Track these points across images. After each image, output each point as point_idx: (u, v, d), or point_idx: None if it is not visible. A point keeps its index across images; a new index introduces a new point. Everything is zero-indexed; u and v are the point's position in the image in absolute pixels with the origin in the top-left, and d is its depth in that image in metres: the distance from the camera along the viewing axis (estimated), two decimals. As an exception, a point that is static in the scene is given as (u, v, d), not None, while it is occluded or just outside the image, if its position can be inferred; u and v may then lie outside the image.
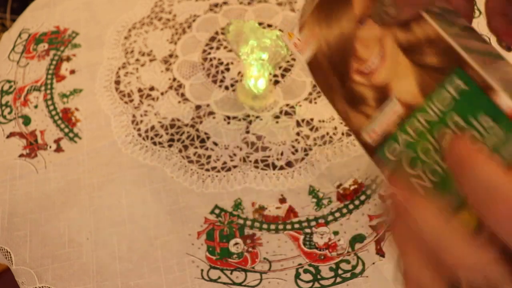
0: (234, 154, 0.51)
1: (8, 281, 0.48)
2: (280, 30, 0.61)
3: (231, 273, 0.45)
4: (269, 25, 0.62)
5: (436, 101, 0.24)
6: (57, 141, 0.55)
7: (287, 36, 0.33)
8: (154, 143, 0.53)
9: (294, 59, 0.58)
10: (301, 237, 0.46)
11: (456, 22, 0.25)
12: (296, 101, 0.55)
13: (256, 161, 0.51)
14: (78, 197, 0.50)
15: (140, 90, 0.58)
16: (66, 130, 0.55)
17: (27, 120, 0.57)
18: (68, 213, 0.49)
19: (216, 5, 0.65)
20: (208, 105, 0.55)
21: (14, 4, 1.18)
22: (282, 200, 0.48)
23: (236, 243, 0.46)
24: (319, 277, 0.44)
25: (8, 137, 0.56)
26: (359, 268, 0.44)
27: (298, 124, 0.53)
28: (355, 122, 0.28)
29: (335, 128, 0.52)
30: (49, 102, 0.58)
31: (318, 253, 0.45)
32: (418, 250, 0.21)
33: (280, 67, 0.57)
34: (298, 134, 0.52)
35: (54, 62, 0.62)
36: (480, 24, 0.52)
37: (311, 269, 0.44)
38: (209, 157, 0.51)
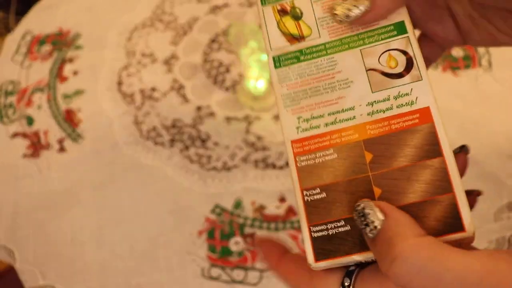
0: (235, 154, 0.52)
1: (12, 279, 0.49)
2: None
3: (231, 271, 0.45)
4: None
5: None
6: (60, 142, 0.55)
7: None
8: (156, 143, 0.54)
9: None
10: (301, 236, 0.46)
11: None
12: (296, 102, 0.55)
13: (256, 161, 0.51)
14: (80, 196, 0.51)
15: (142, 91, 0.58)
16: (69, 130, 0.56)
17: (30, 121, 0.57)
18: (71, 212, 0.50)
19: (217, 7, 0.65)
20: (209, 106, 0.56)
21: (18, 6, 1.19)
22: (282, 200, 0.48)
23: (237, 242, 0.47)
24: (318, 275, 0.44)
25: (11, 137, 0.56)
26: (358, 266, 0.44)
27: (298, 124, 0.53)
28: None
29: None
30: (52, 103, 0.58)
31: (318, 252, 0.45)
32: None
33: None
34: (298, 134, 0.52)
35: (57, 64, 0.62)
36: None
37: (311, 267, 0.45)
38: (209, 157, 0.52)
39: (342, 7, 0.25)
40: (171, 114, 0.56)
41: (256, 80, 0.53)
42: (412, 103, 0.25)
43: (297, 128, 0.26)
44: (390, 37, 0.26)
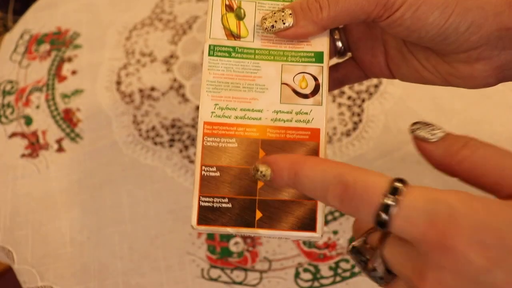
0: (234, 154, 0.52)
1: (10, 280, 0.49)
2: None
3: (231, 272, 0.45)
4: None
5: None
6: (58, 141, 0.55)
7: None
8: (155, 143, 0.53)
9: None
10: (301, 237, 0.46)
11: None
12: (296, 102, 0.55)
13: (256, 161, 0.51)
14: (79, 197, 0.51)
15: (141, 90, 0.58)
16: (68, 130, 0.56)
17: (28, 121, 0.57)
18: (69, 212, 0.50)
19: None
20: (208, 106, 0.56)
21: (16, 5, 1.19)
22: (282, 200, 0.48)
23: (236, 243, 0.46)
24: (318, 276, 0.44)
25: (10, 137, 0.56)
26: (358, 267, 0.44)
27: (298, 124, 0.53)
28: None
29: (335, 128, 0.52)
30: (51, 103, 0.58)
31: (318, 252, 0.45)
32: None
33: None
34: (298, 134, 0.52)
35: (55, 63, 0.62)
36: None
37: (311, 268, 0.44)
38: (209, 157, 0.52)
39: (271, 18, 0.29)
40: (171, 113, 0.55)
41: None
42: (308, 121, 0.29)
43: (212, 113, 0.30)
44: (308, 61, 0.30)
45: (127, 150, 0.53)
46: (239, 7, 0.31)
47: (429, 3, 0.27)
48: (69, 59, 0.62)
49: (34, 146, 0.55)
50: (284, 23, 0.29)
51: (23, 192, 0.52)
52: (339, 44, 0.33)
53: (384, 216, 0.20)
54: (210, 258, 0.46)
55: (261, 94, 0.30)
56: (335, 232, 0.46)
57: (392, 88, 0.54)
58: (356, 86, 0.55)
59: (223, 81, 0.30)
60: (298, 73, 0.30)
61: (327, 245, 0.45)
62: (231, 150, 0.29)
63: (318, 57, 0.30)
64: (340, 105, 0.53)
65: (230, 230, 0.29)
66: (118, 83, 0.59)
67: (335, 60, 0.35)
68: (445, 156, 0.22)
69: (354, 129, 0.51)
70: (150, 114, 0.56)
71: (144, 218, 0.49)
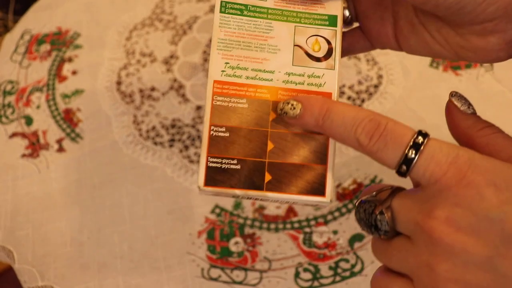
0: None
1: (10, 280, 0.49)
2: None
3: (231, 272, 0.45)
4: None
5: None
6: (59, 141, 0.55)
7: None
8: (155, 143, 0.53)
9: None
10: (301, 236, 0.46)
11: None
12: (296, 102, 0.55)
13: (256, 161, 0.51)
14: (79, 196, 0.51)
15: (141, 90, 0.58)
16: (68, 130, 0.56)
17: (29, 121, 0.57)
18: (69, 212, 0.50)
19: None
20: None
21: (17, 5, 1.19)
22: (282, 200, 0.48)
23: (236, 242, 0.46)
24: (318, 276, 0.44)
25: (10, 137, 0.56)
26: (358, 267, 0.44)
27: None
28: None
29: (335, 128, 0.52)
30: (51, 103, 0.58)
31: (318, 252, 0.45)
32: None
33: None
34: (298, 134, 0.52)
35: (56, 63, 0.62)
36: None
37: (311, 268, 0.44)
38: (209, 157, 0.52)
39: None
40: (171, 113, 0.56)
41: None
42: (320, 85, 0.29)
43: (222, 72, 0.29)
44: (322, 25, 0.30)
45: (127, 150, 0.53)
46: None
47: None
48: (70, 59, 0.62)
49: (35, 146, 0.55)
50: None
51: (23, 192, 0.52)
52: (346, 13, 0.32)
53: (411, 154, 0.23)
54: (210, 258, 0.46)
55: (273, 55, 0.29)
56: (335, 232, 0.46)
57: (392, 88, 0.54)
58: (356, 86, 0.55)
59: (235, 40, 0.29)
60: (311, 36, 0.30)
61: (327, 245, 0.45)
62: (241, 111, 0.28)
63: (331, 21, 0.30)
64: (340, 105, 0.53)
65: (238, 192, 0.28)
66: (118, 83, 0.59)
67: None
68: (471, 127, 0.25)
69: (354, 129, 0.51)
70: (150, 114, 0.56)
71: (144, 218, 0.49)
